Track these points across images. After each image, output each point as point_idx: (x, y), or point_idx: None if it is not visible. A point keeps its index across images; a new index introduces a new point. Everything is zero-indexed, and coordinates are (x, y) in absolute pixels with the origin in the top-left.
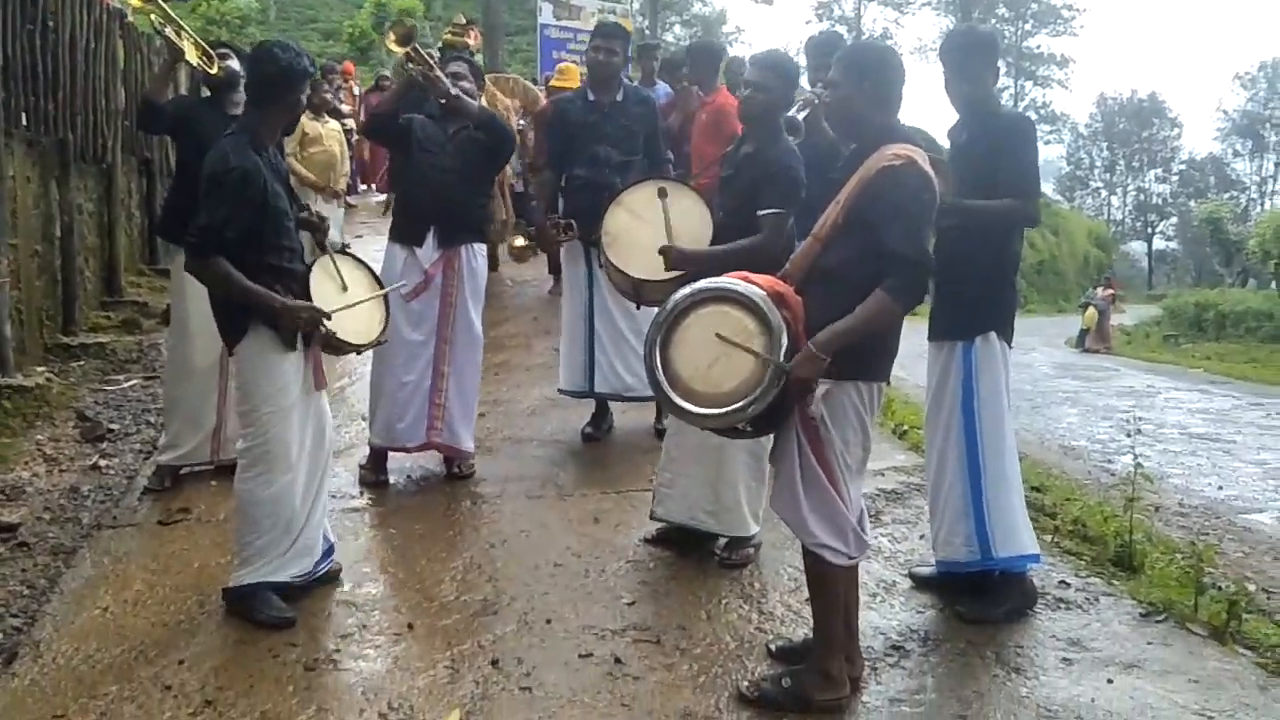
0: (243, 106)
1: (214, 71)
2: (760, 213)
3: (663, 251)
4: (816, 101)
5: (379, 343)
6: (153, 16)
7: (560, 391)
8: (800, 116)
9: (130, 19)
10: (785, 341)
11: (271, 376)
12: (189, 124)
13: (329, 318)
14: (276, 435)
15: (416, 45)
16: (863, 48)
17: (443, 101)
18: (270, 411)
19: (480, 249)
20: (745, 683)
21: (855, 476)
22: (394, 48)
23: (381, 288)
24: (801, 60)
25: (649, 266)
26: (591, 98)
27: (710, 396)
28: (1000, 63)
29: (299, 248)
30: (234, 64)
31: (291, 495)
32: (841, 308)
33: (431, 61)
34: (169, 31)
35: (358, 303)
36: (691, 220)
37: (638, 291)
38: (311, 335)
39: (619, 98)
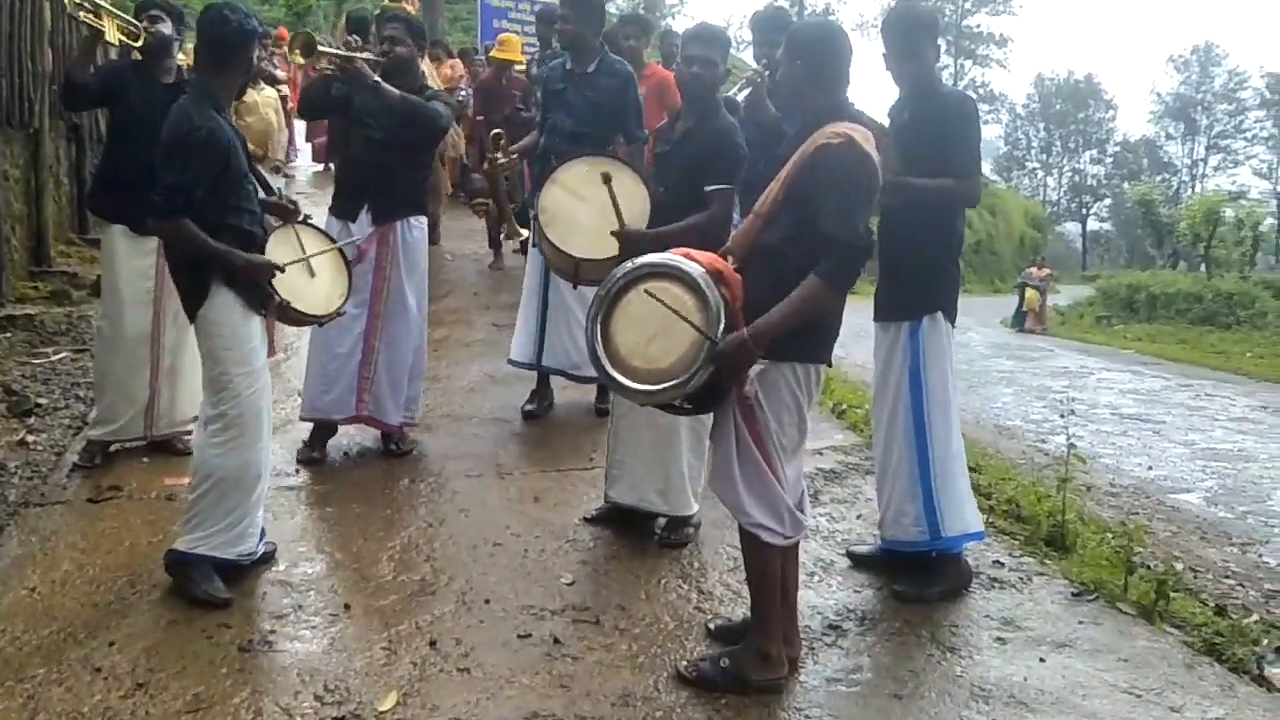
0: (190, 71)
1: (139, 44)
2: (708, 189)
3: (616, 235)
4: (759, 80)
5: (338, 314)
6: (68, 1)
7: (509, 362)
8: (741, 96)
9: None
10: (723, 319)
11: (240, 338)
12: (119, 93)
13: (282, 270)
14: (250, 399)
15: (320, 48)
16: (807, 26)
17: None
18: (243, 374)
19: (418, 221)
20: (684, 663)
21: (791, 457)
22: (298, 60)
23: (344, 259)
24: (746, 35)
25: (587, 245)
26: (569, 65)
27: (648, 373)
28: (940, 41)
29: (258, 211)
30: (165, 28)
31: (259, 466)
32: (782, 285)
33: (345, 53)
34: (83, 15)
35: (308, 257)
36: (632, 198)
37: (576, 271)
38: (269, 303)
39: (590, 68)
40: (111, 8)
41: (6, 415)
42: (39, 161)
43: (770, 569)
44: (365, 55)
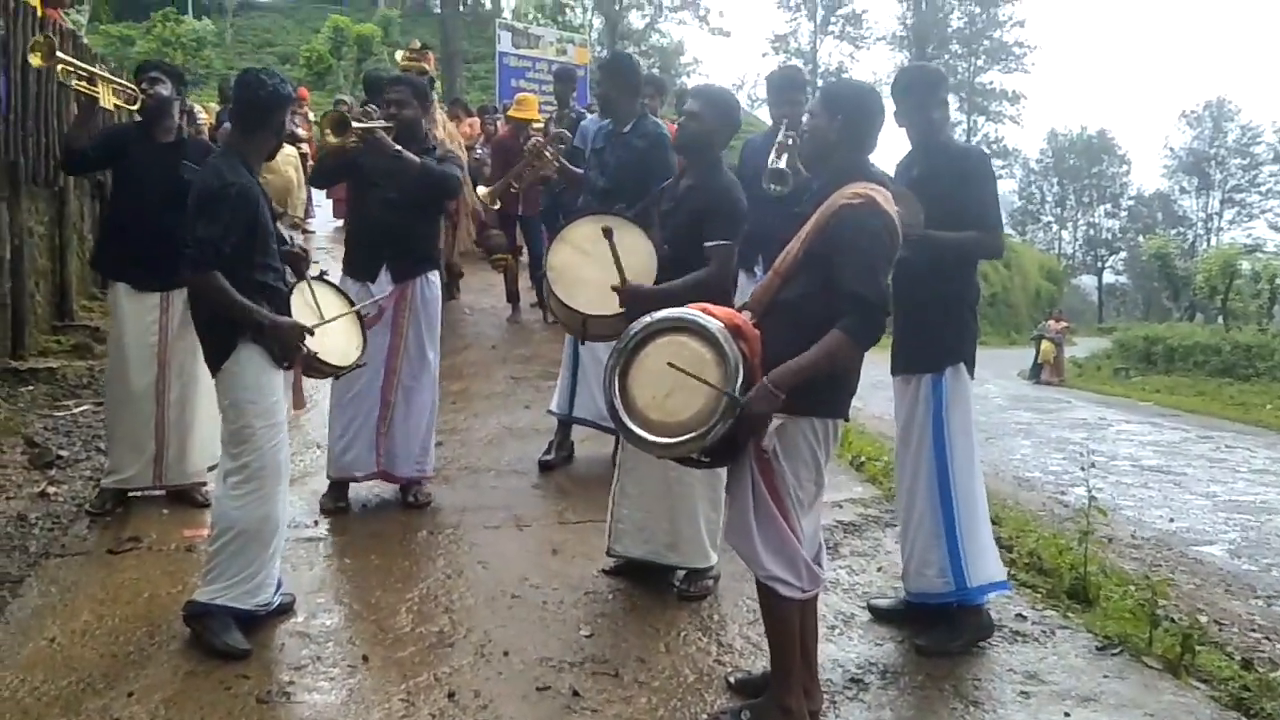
0: (212, 130)
1: (135, 108)
2: (707, 244)
3: (617, 290)
4: (790, 144)
5: (358, 365)
6: (60, 69)
7: (549, 412)
8: (783, 165)
9: (84, 39)
10: (741, 375)
11: (264, 391)
12: (119, 154)
13: (311, 333)
14: (272, 452)
15: (355, 124)
16: (846, 85)
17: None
18: (265, 427)
19: (433, 277)
20: (704, 717)
21: (807, 511)
22: (332, 139)
23: (359, 316)
24: (759, 93)
25: (594, 302)
26: (611, 126)
27: (666, 425)
28: (953, 98)
29: (281, 268)
30: (164, 89)
31: (278, 519)
32: (799, 343)
33: (379, 124)
34: (75, 83)
35: (334, 319)
36: (637, 255)
37: (584, 327)
38: (294, 356)
39: (625, 129)
40: (105, 74)
41: (28, 467)
42: (64, 218)
43: (788, 622)
44: (381, 123)
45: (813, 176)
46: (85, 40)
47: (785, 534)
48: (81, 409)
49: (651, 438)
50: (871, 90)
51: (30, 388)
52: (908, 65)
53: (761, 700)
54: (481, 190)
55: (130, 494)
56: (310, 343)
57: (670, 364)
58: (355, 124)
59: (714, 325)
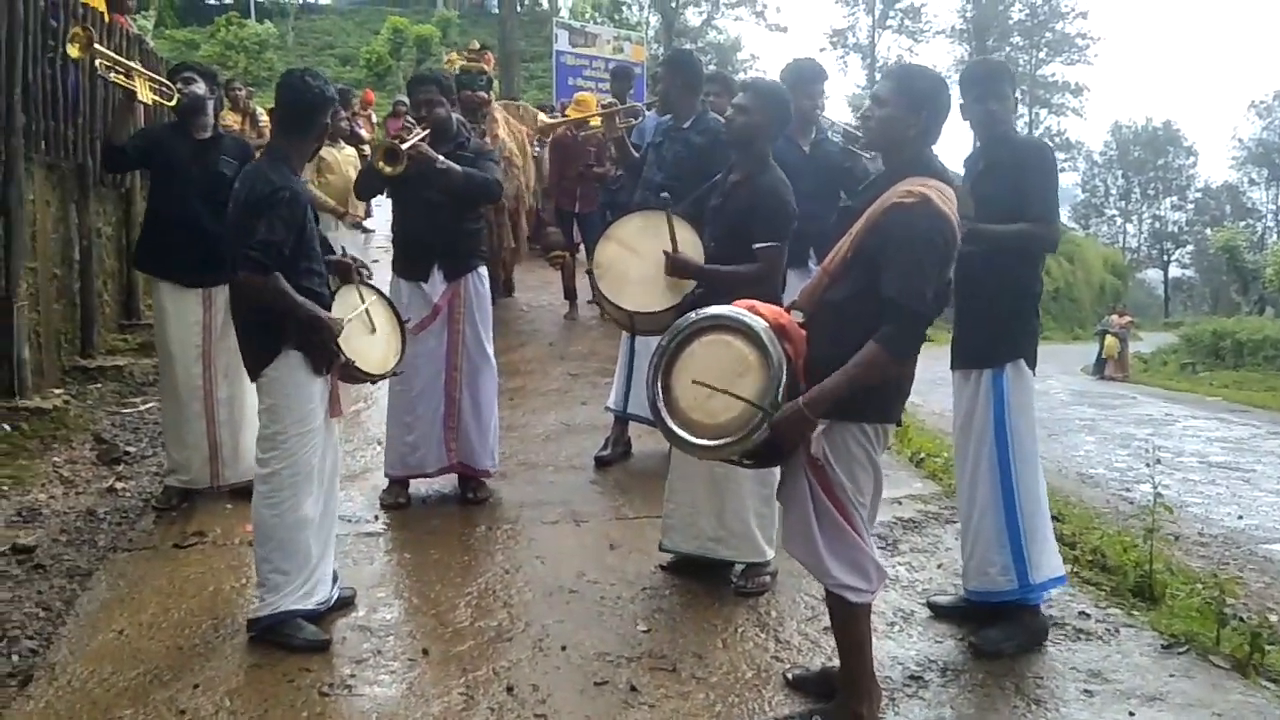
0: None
1: (172, 104)
2: (756, 246)
3: (667, 255)
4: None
5: (394, 373)
6: (98, 63)
7: (606, 409)
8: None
9: (150, 44)
10: (785, 377)
11: (302, 399)
12: (157, 153)
13: (340, 327)
14: (304, 459)
15: (403, 150)
16: (925, 77)
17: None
18: (299, 434)
19: (482, 271)
20: (769, 717)
21: (870, 512)
22: (388, 170)
23: (400, 322)
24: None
25: (639, 298)
26: (671, 122)
27: (707, 427)
28: (1015, 91)
29: (325, 272)
30: (198, 88)
31: (314, 518)
32: (843, 347)
33: (413, 140)
34: (113, 76)
35: (363, 309)
36: (684, 248)
37: (631, 322)
38: (334, 363)
39: (685, 124)
40: (141, 68)
41: (97, 463)
42: (130, 219)
43: (860, 627)
44: (419, 134)
45: (880, 157)
46: (151, 45)
47: (851, 537)
48: (148, 406)
49: (692, 439)
50: (944, 81)
51: (99, 385)
52: (973, 60)
53: (832, 706)
54: (542, 118)
55: (194, 490)
56: (348, 349)
57: (695, 381)
58: (405, 148)
59: (759, 325)
